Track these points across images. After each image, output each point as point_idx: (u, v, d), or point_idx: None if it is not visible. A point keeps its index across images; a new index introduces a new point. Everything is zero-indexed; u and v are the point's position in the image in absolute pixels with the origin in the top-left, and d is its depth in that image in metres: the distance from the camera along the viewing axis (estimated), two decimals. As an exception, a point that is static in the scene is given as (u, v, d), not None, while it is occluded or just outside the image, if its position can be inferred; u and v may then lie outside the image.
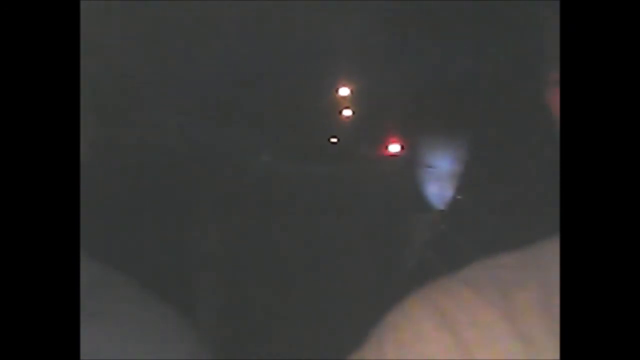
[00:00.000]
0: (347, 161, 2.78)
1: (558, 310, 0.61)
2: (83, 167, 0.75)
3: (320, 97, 2.84)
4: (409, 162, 2.00)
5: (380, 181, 2.44)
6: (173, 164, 2.61)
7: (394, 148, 2.86)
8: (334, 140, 2.90)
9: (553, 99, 0.68)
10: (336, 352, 0.78)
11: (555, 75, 0.65)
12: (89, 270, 0.81)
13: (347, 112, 2.90)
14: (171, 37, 2.06)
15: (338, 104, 2.86)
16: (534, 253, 0.71)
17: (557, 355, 0.58)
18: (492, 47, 2.08)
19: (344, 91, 2.89)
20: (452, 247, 1.86)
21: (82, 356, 0.62)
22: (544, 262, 0.69)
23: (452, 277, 0.71)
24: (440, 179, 1.94)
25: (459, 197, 1.90)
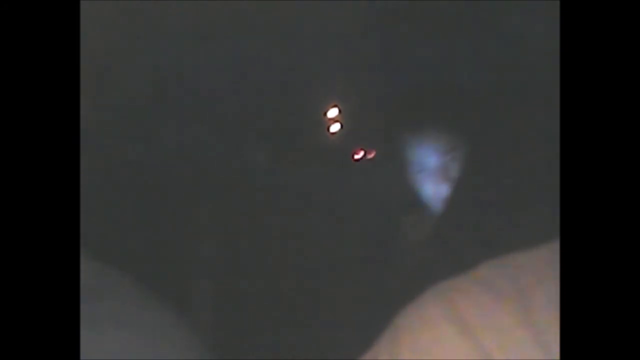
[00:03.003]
0: (343, 164, 2.78)
1: None
2: (84, 168, 0.75)
3: (311, 97, 2.84)
4: (404, 165, 2.01)
5: (379, 184, 2.43)
6: (172, 167, 2.61)
7: (359, 155, 2.85)
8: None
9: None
10: (347, 354, 0.78)
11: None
12: (89, 271, 0.81)
13: (334, 112, 2.89)
14: (164, 44, 2.06)
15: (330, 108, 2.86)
16: (550, 252, 0.70)
17: None
18: (491, 47, 2.08)
19: (333, 112, 2.89)
20: (462, 245, 1.85)
21: (82, 356, 0.62)
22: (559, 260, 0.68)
23: (467, 278, 0.70)
24: (435, 179, 1.94)
25: (455, 195, 1.90)
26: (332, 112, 2.85)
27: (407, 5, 2.22)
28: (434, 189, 1.96)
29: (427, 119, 2.02)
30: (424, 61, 2.29)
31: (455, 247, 1.85)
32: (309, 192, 2.65)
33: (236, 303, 2.63)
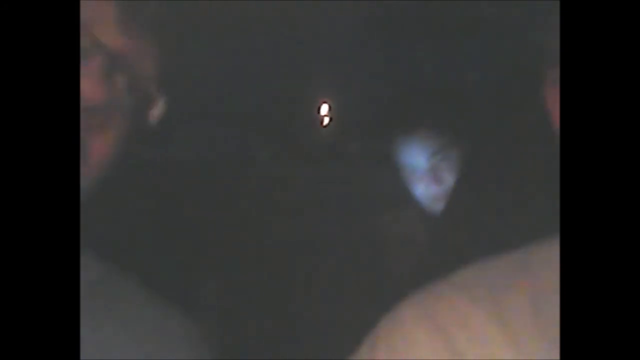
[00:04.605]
0: (334, 162, 2.78)
1: (548, 314, 0.61)
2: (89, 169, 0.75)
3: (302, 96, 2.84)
4: (396, 164, 2.01)
5: (369, 182, 2.44)
6: (174, 166, 2.61)
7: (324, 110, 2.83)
8: (325, 122, 2.88)
9: (552, 99, 0.68)
10: (328, 356, 0.79)
11: (554, 74, 0.65)
12: (89, 270, 0.81)
13: (325, 109, 2.89)
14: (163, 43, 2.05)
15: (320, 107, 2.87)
16: (524, 256, 0.71)
17: (547, 358, 0.59)
18: (490, 47, 2.08)
19: (324, 108, 2.89)
20: (442, 249, 1.86)
21: (82, 356, 0.62)
22: (534, 265, 0.69)
23: (443, 281, 0.71)
24: (425, 179, 1.94)
25: (449, 197, 1.90)
26: (323, 109, 2.87)
27: (404, 5, 2.22)
28: (424, 190, 1.96)
29: (421, 119, 2.03)
30: (420, 61, 2.29)
31: (438, 250, 1.86)
32: (302, 191, 2.66)
33: (236, 301, 2.63)
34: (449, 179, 1.93)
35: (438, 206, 1.94)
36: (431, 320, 0.67)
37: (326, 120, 2.86)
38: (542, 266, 0.66)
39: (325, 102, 2.87)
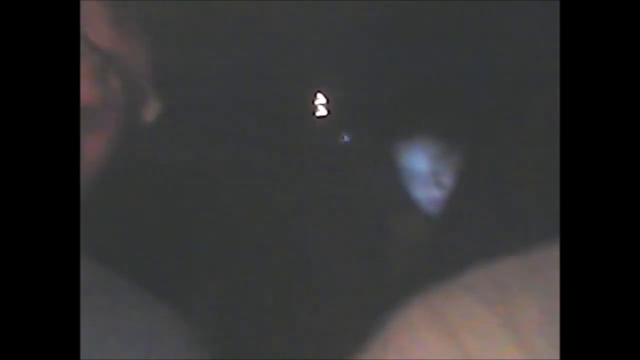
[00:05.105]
0: (335, 163, 2.78)
1: (559, 316, 0.60)
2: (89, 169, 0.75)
3: (299, 98, 2.84)
4: (397, 166, 2.01)
5: (370, 184, 2.44)
6: (174, 166, 2.61)
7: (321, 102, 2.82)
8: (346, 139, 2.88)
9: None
10: (336, 356, 0.78)
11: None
12: (88, 271, 0.81)
13: (322, 112, 2.88)
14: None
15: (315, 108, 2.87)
16: (535, 257, 0.70)
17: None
18: (489, 48, 2.08)
19: (321, 99, 2.89)
20: (449, 250, 1.86)
21: (81, 356, 0.62)
22: (545, 266, 0.69)
23: (453, 282, 0.71)
24: (428, 180, 1.95)
25: (448, 199, 1.91)
26: (319, 99, 2.85)
27: (404, 5, 2.22)
28: (426, 193, 1.97)
29: (422, 121, 2.03)
30: (421, 62, 2.29)
31: (446, 251, 1.86)
32: (302, 193, 2.66)
33: (235, 302, 2.63)
34: (449, 181, 1.93)
35: (439, 208, 1.95)
36: (440, 321, 0.66)
37: (322, 111, 2.85)
38: (554, 267, 0.66)
39: (319, 92, 2.87)
